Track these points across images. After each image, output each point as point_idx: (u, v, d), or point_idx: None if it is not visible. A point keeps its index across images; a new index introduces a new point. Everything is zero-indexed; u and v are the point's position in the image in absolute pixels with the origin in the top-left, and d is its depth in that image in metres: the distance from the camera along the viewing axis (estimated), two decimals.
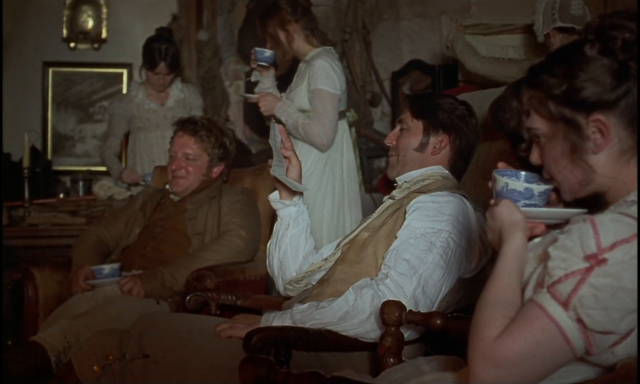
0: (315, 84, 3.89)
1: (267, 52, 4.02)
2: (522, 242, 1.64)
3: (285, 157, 2.66)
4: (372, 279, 2.41)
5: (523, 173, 1.77)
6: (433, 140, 2.67)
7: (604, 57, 1.58)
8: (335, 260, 2.61)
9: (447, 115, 2.68)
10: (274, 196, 2.77)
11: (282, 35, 4.03)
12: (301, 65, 4.09)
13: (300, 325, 2.39)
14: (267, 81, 4.12)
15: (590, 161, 1.62)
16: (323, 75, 3.88)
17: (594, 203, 1.66)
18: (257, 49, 4.05)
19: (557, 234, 1.56)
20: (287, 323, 2.42)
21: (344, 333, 2.37)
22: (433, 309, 2.37)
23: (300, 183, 2.69)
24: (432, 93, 3.31)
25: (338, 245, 2.70)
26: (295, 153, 2.67)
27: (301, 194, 2.76)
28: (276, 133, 2.64)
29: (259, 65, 4.06)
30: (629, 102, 1.57)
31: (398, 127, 2.75)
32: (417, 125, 2.69)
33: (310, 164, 3.93)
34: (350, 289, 2.40)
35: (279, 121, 3.90)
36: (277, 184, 2.73)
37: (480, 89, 4.23)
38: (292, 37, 4.03)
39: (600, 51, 1.59)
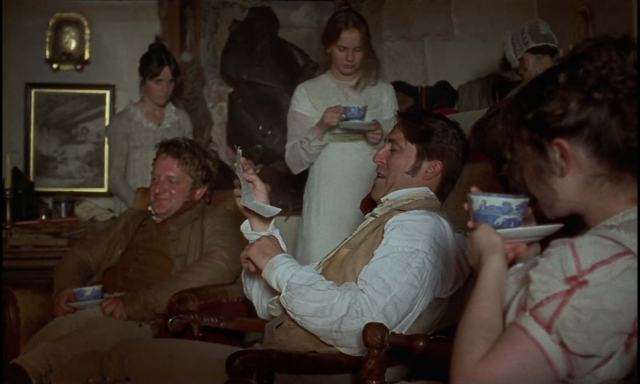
0: (395, 107, 4.13)
1: (361, 107, 4.00)
2: (501, 264, 1.65)
3: (248, 181, 2.59)
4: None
5: (495, 194, 1.78)
6: (426, 165, 2.67)
7: (571, 85, 1.60)
8: None
9: (440, 139, 2.67)
10: (245, 226, 2.69)
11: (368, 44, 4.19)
12: (365, 89, 4.21)
13: (288, 294, 2.42)
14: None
15: (555, 184, 1.65)
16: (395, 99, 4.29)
17: (572, 219, 1.68)
18: (350, 106, 3.99)
19: (538, 258, 1.57)
20: (286, 278, 2.44)
21: (311, 328, 2.40)
22: (405, 326, 2.41)
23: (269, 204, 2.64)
24: (424, 113, 3.41)
25: (320, 263, 2.69)
26: (258, 177, 2.62)
27: (273, 218, 2.66)
28: (239, 162, 2.58)
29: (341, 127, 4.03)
30: (594, 131, 1.58)
31: (388, 147, 2.73)
32: (411, 148, 2.68)
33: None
34: (343, 285, 2.43)
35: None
36: (247, 213, 2.65)
37: None
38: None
39: (568, 79, 1.61)
